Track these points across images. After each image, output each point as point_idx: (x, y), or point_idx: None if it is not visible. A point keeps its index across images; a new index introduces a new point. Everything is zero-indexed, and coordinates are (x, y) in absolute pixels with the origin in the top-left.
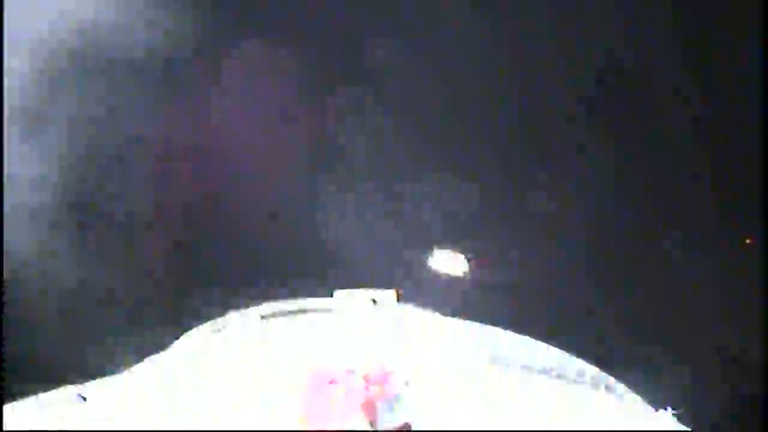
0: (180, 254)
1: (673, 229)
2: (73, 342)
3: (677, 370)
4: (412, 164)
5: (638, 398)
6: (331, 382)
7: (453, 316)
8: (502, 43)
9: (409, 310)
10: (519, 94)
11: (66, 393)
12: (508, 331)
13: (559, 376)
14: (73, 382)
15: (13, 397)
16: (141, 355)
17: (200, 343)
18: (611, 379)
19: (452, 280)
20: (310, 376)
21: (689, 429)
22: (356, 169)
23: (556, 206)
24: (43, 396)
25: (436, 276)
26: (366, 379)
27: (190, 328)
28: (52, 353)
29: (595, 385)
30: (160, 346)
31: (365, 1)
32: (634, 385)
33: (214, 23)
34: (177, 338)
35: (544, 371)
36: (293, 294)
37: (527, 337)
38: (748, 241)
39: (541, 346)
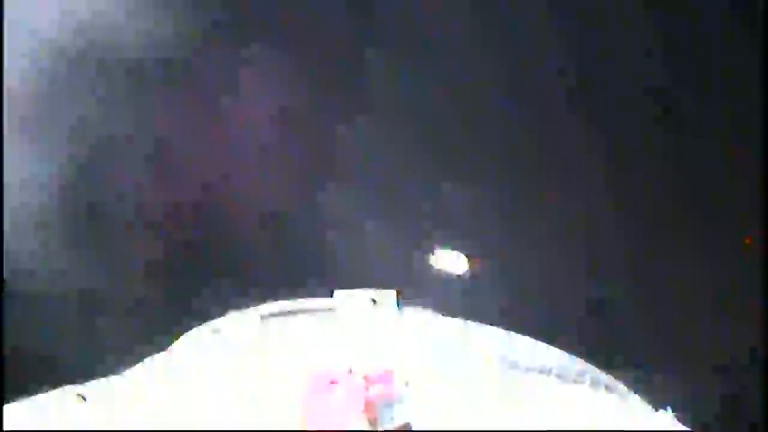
0: (180, 254)
1: (673, 229)
2: (73, 342)
3: (677, 370)
4: (412, 164)
5: (638, 398)
6: (331, 383)
7: (453, 316)
8: (500, 46)
9: (409, 310)
10: (518, 96)
11: (66, 393)
12: (508, 331)
13: (559, 376)
14: (73, 382)
15: (13, 397)
16: (141, 355)
17: (200, 343)
18: (611, 379)
19: (452, 280)
20: (310, 376)
21: (689, 429)
22: (356, 170)
23: (556, 207)
24: (43, 396)
25: (436, 276)
26: (366, 379)
27: (190, 328)
28: (52, 353)
29: (595, 385)
30: (160, 346)
31: (366, 7)
32: (634, 385)
33: (214, 24)
34: (177, 338)
35: (544, 371)
36: (293, 294)
37: (527, 337)
38: (748, 241)
39: (541, 346)
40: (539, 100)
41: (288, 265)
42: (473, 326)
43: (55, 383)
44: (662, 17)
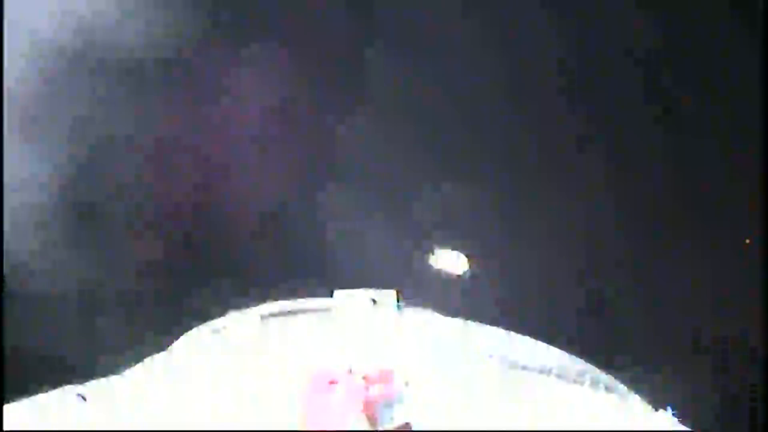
0: (180, 254)
1: (673, 229)
2: (73, 342)
3: (677, 370)
4: (411, 164)
5: (638, 398)
6: (331, 383)
7: (453, 316)
8: (500, 46)
9: (409, 310)
10: (517, 96)
11: (66, 393)
12: (508, 331)
13: (559, 376)
14: (73, 382)
15: (13, 397)
16: (141, 355)
17: (200, 343)
18: (611, 379)
19: (452, 280)
20: (310, 376)
21: (689, 429)
22: (356, 170)
23: (556, 207)
24: (43, 396)
25: (436, 276)
26: (366, 379)
27: (190, 328)
28: (53, 353)
29: (595, 385)
30: (160, 346)
31: (365, 7)
32: (634, 385)
33: (214, 24)
34: (177, 338)
35: (544, 371)
36: (293, 294)
37: (527, 337)
38: (748, 241)
39: (541, 346)
40: (539, 100)
41: (288, 265)
42: (473, 326)
43: (55, 383)
44: (662, 17)
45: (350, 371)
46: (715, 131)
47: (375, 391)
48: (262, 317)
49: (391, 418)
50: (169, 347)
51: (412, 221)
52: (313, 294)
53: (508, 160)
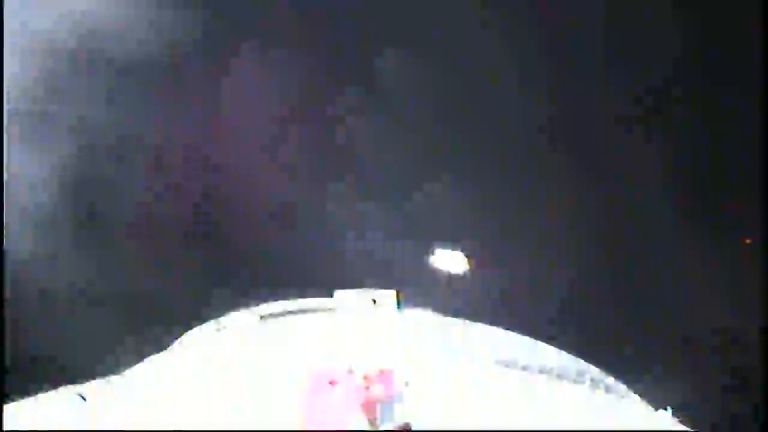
0: (180, 254)
1: (673, 229)
2: (73, 342)
3: (677, 371)
4: (412, 164)
5: (638, 398)
6: (331, 382)
7: (453, 316)
8: (501, 47)
9: (409, 310)
10: (519, 97)
11: (66, 393)
12: (508, 331)
13: (559, 376)
14: (73, 382)
15: (13, 397)
16: (141, 355)
17: (200, 343)
18: (611, 379)
19: (452, 280)
20: (310, 376)
21: (689, 429)
22: (357, 170)
23: (557, 207)
24: (43, 396)
25: (436, 276)
26: (366, 379)
27: (190, 328)
28: (52, 353)
29: (595, 385)
30: (160, 346)
31: (371, 5)
32: (634, 385)
33: (215, 23)
34: (177, 338)
35: (544, 371)
36: (293, 294)
37: (527, 337)
38: (748, 241)
39: (541, 346)
40: (543, 102)
41: (288, 265)
42: (473, 326)
43: (55, 383)
44: (661, 17)
45: (350, 371)
46: (715, 131)
47: (375, 391)
48: (262, 317)
49: (391, 418)
50: (169, 347)
51: (412, 221)
52: (313, 294)
53: (508, 163)
